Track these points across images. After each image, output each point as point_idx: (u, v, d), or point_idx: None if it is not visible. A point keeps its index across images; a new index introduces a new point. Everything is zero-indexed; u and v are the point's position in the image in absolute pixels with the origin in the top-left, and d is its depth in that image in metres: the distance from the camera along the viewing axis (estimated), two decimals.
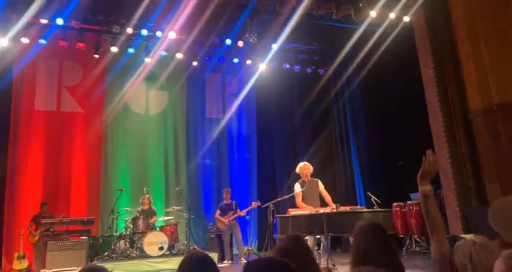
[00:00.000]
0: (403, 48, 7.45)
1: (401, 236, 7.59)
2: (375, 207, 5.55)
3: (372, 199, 5.72)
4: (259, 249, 8.89)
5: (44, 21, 7.47)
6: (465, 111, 6.12)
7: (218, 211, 8.05)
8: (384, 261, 1.79)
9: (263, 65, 9.29)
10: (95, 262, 6.71)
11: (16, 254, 7.29)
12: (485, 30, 5.80)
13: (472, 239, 1.53)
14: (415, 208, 7.34)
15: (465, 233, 5.38)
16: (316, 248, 5.61)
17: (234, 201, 8.18)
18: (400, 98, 8.11)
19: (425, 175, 1.81)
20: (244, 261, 7.34)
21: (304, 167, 5.87)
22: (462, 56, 6.23)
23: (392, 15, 7.41)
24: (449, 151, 6.06)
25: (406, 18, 7.34)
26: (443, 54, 6.43)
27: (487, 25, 5.78)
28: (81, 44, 8.11)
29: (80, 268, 1.88)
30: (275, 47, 8.85)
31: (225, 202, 8.11)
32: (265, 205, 5.90)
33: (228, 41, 8.54)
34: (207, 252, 7.66)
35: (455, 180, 5.97)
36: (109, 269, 1.07)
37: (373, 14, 7.27)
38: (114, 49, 8.30)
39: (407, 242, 7.58)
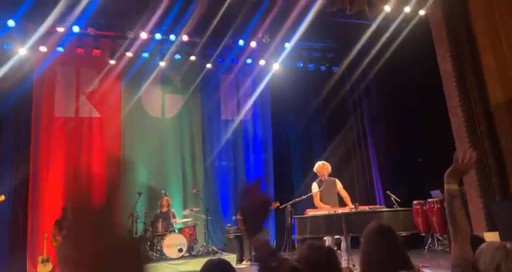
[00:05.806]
0: (418, 42, 7.29)
1: (423, 234, 7.43)
2: (395, 206, 5.45)
3: (392, 198, 5.61)
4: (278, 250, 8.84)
5: (60, 29, 7.62)
6: (486, 104, 5.94)
7: (240, 212, 8.01)
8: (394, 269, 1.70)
9: (276, 64, 9.24)
10: None
11: (40, 258, 7.46)
12: (505, 21, 5.61)
13: (501, 244, 1.39)
14: (436, 206, 7.17)
15: (489, 230, 5.22)
16: (335, 248, 5.54)
17: None
18: (417, 94, 7.96)
19: (455, 173, 1.61)
20: None
21: (322, 166, 5.81)
22: (481, 48, 6.04)
23: (407, 9, 7.26)
24: (471, 147, 5.87)
25: (422, 12, 7.18)
26: (462, 47, 6.25)
27: (507, 16, 5.60)
28: (97, 51, 8.27)
29: None
30: (288, 46, 8.80)
31: None
32: (283, 206, 5.87)
33: (241, 42, 8.55)
34: (226, 253, 7.72)
35: (478, 176, 5.78)
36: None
37: (387, 8, 7.14)
38: (129, 54, 8.41)
39: (429, 241, 7.41)
